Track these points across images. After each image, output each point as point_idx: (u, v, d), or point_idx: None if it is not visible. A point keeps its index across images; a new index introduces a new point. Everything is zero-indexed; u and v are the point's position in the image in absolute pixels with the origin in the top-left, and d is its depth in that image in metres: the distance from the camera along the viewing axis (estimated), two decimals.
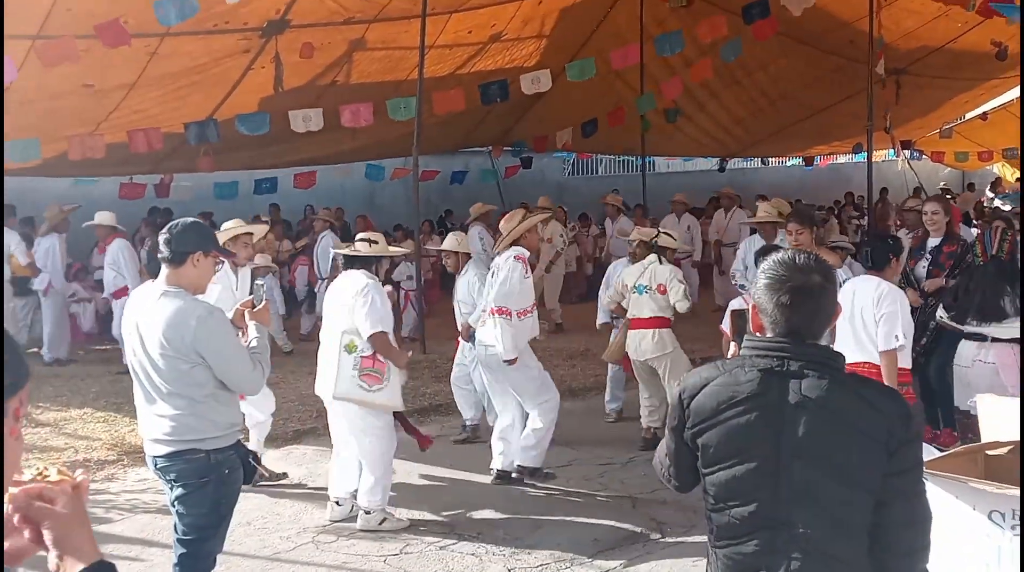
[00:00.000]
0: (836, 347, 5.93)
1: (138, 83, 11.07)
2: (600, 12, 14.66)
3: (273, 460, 7.44)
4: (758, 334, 2.62)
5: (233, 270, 6.91)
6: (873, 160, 13.90)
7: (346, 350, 6.10)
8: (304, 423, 8.45)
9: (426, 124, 12.40)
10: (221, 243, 6.77)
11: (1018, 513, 3.70)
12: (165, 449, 4.25)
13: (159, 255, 4.29)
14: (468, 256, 8.10)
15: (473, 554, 5.74)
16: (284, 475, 7.15)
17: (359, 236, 6.57)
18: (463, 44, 13.52)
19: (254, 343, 4.43)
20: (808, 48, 15.93)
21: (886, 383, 5.67)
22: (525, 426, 7.03)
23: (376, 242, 6.41)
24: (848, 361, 5.88)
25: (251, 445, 6.97)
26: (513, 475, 7.02)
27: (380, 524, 6.14)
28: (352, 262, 6.30)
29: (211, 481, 4.24)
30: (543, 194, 16.40)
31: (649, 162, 17.98)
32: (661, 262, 7.72)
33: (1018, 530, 3.70)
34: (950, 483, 3.87)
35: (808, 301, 2.54)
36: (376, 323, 5.98)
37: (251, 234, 7.20)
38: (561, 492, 6.86)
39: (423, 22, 11.01)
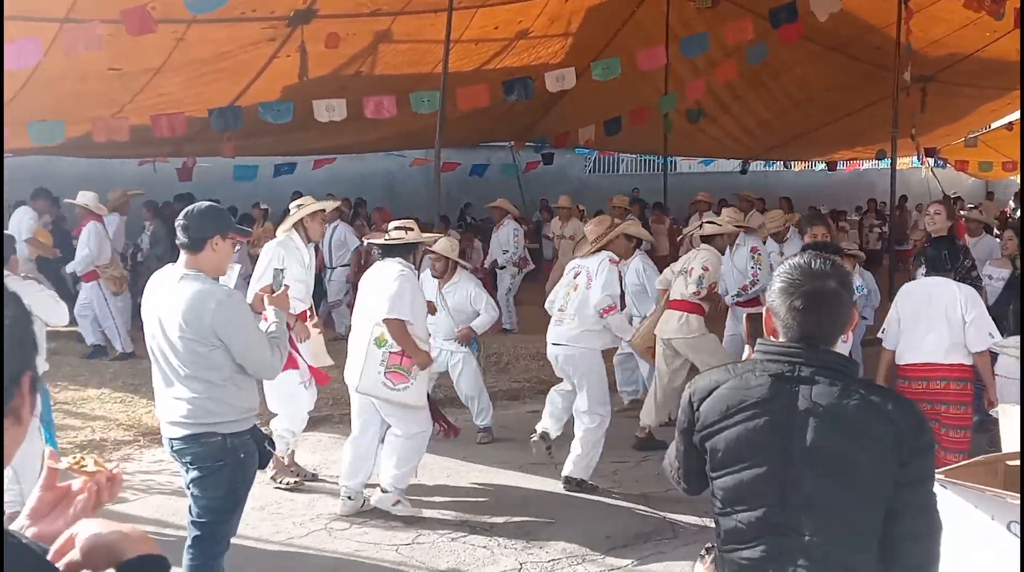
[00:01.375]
0: (903, 347, 6.06)
1: (164, 68, 11.13)
2: (626, 11, 14.63)
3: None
4: (771, 338, 2.60)
5: (305, 244, 6.90)
6: (897, 167, 13.82)
7: (375, 343, 6.09)
8: (319, 410, 8.44)
9: (448, 117, 12.42)
10: (299, 219, 6.80)
11: None
12: (182, 432, 4.26)
13: (177, 241, 4.30)
14: (456, 264, 7.97)
15: (485, 547, 5.75)
16: (314, 476, 7.03)
17: (393, 224, 6.51)
18: (489, 40, 13.53)
19: (272, 328, 4.45)
20: (834, 53, 15.86)
21: (985, 380, 5.98)
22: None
23: (411, 229, 6.39)
24: (917, 362, 6.04)
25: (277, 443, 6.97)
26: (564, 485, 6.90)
27: (393, 505, 6.16)
28: (388, 251, 6.29)
29: (227, 465, 4.25)
30: (564, 190, 16.38)
31: (671, 162, 17.95)
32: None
33: None
34: (969, 492, 3.84)
35: (822, 307, 2.50)
36: (394, 309, 5.98)
37: (324, 210, 7.16)
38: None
39: (449, 16, 11.02)
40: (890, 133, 13.35)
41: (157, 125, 11.82)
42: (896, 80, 12.96)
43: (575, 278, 6.99)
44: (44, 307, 5.75)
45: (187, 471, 4.32)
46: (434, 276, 8.00)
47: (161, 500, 6.44)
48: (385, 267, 6.24)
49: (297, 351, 6.61)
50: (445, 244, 7.96)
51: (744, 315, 8.02)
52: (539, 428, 7.17)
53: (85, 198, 10.96)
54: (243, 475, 4.33)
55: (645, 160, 24.56)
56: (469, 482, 7.01)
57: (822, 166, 25.73)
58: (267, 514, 6.22)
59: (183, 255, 4.28)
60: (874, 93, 16.45)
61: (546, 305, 7.36)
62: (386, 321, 5.99)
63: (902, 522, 2.40)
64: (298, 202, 7.12)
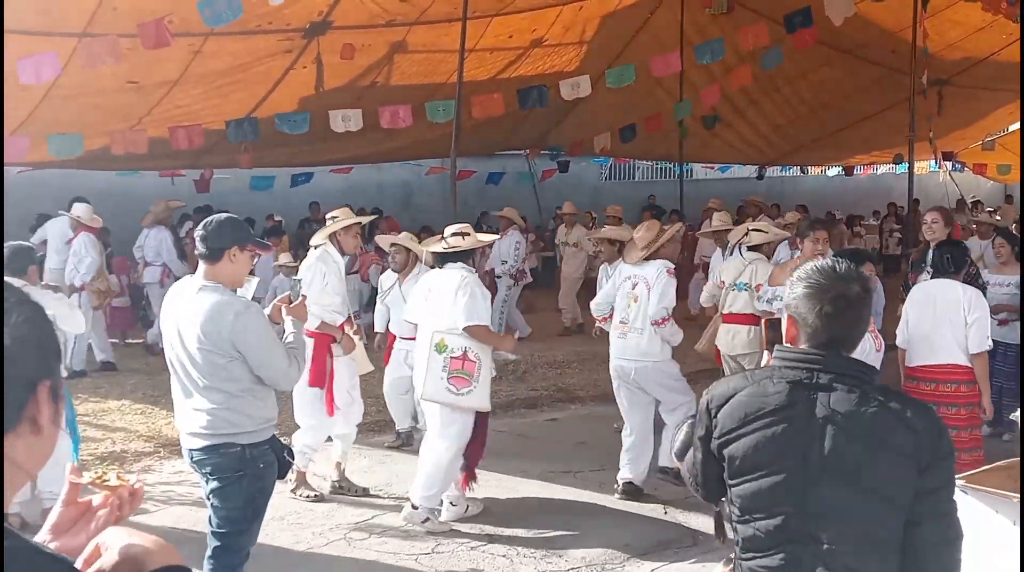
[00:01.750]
0: (911, 349, 6.16)
1: (181, 80, 11.19)
2: (640, 19, 14.63)
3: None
4: (789, 345, 2.58)
5: (341, 254, 6.92)
6: (915, 171, 13.74)
7: (436, 350, 6.09)
8: None
9: (464, 127, 12.45)
10: (333, 232, 6.82)
11: None
12: (201, 442, 4.29)
13: (196, 252, 4.34)
14: (417, 258, 7.86)
15: (504, 556, 5.75)
16: (366, 490, 6.97)
17: (450, 230, 6.43)
18: (504, 48, 13.55)
19: (290, 338, 4.47)
20: (850, 57, 15.81)
21: (980, 384, 6.04)
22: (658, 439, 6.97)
23: (468, 234, 6.36)
24: (925, 364, 6.13)
25: (334, 456, 6.96)
26: (659, 475, 6.99)
27: (422, 523, 6.13)
28: (448, 257, 6.27)
29: (246, 475, 4.27)
30: (580, 198, 16.41)
31: (687, 169, 17.93)
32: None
33: None
34: (989, 497, 3.83)
35: (849, 310, 2.49)
36: (472, 316, 6.00)
37: (360, 223, 7.16)
38: (594, 497, 6.86)
39: (464, 25, 11.04)
40: (907, 137, 13.26)
41: (175, 137, 11.90)
42: (912, 84, 12.87)
43: (633, 289, 6.88)
44: (60, 316, 5.83)
45: (207, 482, 4.34)
46: (394, 270, 7.99)
47: (181, 511, 6.46)
48: (445, 274, 6.21)
49: (331, 369, 6.64)
50: (406, 236, 7.95)
51: (763, 321, 7.97)
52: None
53: (78, 210, 10.95)
54: (262, 485, 4.36)
55: (661, 167, 24.52)
56: (488, 491, 7.00)
57: (837, 170, 25.62)
58: (287, 524, 6.24)
59: (201, 266, 4.32)
60: (890, 97, 16.38)
61: (592, 307, 7.41)
62: (467, 330, 6.01)
63: (923, 529, 2.38)
64: (332, 214, 7.11)
